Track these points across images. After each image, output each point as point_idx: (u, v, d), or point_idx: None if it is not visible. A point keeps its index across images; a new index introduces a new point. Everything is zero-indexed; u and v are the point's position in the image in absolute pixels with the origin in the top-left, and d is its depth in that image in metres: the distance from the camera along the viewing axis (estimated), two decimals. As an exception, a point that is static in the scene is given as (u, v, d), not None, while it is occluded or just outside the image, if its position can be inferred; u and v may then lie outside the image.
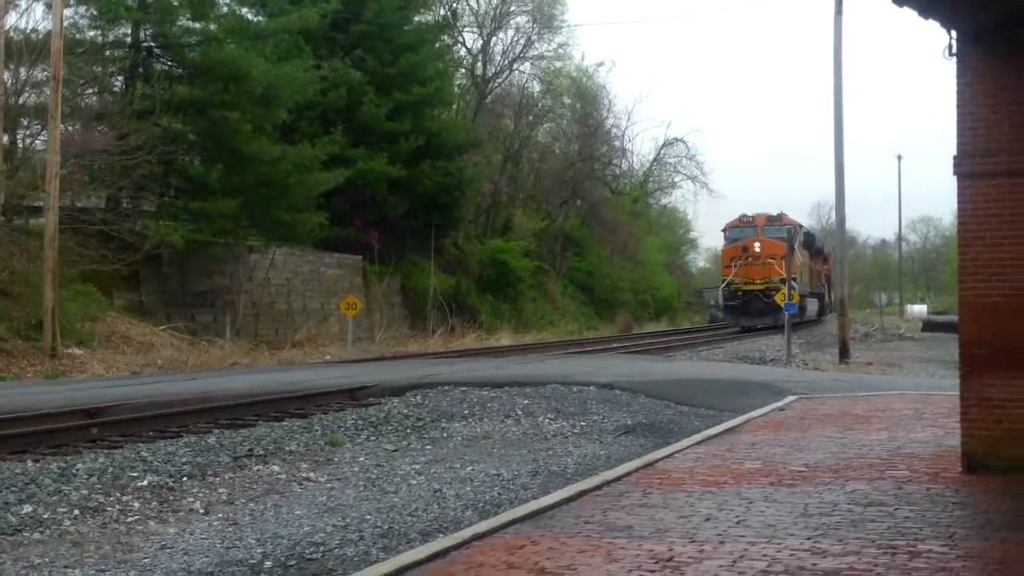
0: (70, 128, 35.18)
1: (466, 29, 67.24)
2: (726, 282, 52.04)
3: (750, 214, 54.95)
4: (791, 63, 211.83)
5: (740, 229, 53.97)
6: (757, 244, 50.35)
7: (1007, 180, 10.74)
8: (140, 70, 38.22)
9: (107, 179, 35.32)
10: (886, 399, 18.88)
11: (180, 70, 38.43)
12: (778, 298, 36.75)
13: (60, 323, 29.54)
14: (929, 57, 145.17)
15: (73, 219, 33.03)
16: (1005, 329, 10.68)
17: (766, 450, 12.78)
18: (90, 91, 38.53)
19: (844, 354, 34.48)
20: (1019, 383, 10.58)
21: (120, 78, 39.31)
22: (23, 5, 35.87)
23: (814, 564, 7.28)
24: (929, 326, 61.51)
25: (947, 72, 11.18)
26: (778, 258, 47.41)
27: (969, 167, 10.96)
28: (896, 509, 9.10)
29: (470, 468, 12.96)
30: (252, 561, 8.61)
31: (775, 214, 55.10)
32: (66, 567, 8.44)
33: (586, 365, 26.90)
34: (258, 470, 13.13)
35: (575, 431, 16.43)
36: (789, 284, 36.09)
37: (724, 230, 57.02)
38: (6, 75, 32.61)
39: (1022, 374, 10.53)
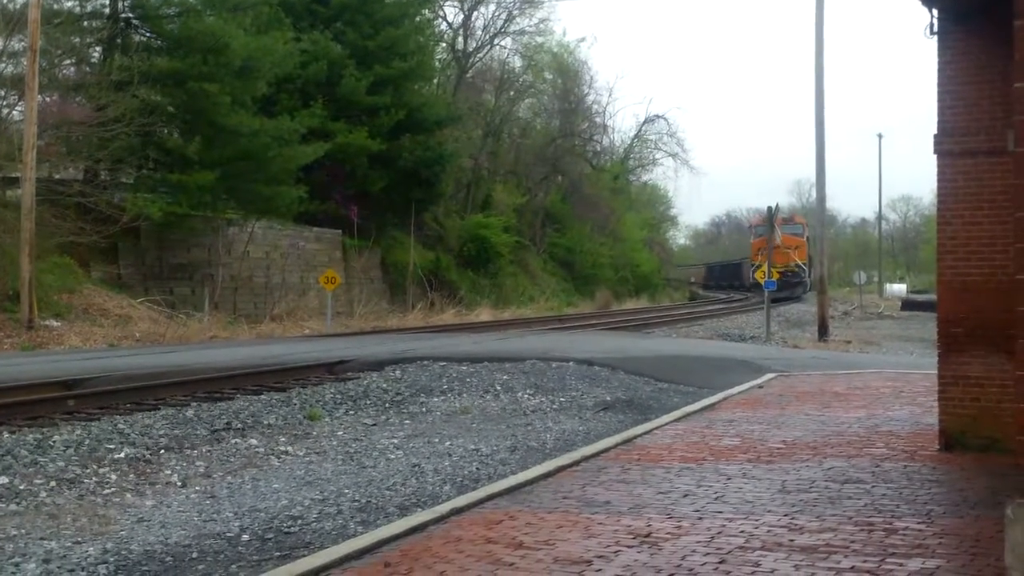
0: (47, 99, 34.88)
1: (447, 3, 66.93)
2: (756, 266, 62.61)
3: (779, 237, 65.65)
4: (773, 41, 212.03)
5: (764, 226, 65.48)
6: (777, 237, 58.28)
7: (986, 159, 10.77)
8: (118, 41, 37.89)
9: (85, 151, 35.07)
10: (864, 377, 18.96)
11: (159, 41, 38.10)
12: (757, 275, 40.44)
13: (37, 295, 29.39)
14: (911, 36, 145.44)
15: (50, 191, 32.80)
16: (983, 308, 10.72)
17: (745, 427, 12.82)
18: (68, 62, 38.18)
19: (823, 332, 34.62)
20: (996, 362, 10.63)
21: (98, 49, 38.97)
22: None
23: (791, 540, 7.30)
24: (908, 305, 61.89)
25: (929, 51, 11.20)
26: (793, 248, 64.51)
27: (949, 145, 10.98)
28: (873, 486, 9.14)
29: (449, 443, 12.96)
30: (229, 534, 8.59)
31: (788, 215, 70.36)
32: (42, 539, 8.40)
33: (565, 341, 26.93)
34: (236, 443, 13.10)
35: (554, 407, 16.45)
36: (769, 266, 36.24)
37: (751, 226, 74.55)
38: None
39: (999, 353, 10.56)
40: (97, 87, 34.50)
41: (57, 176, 35.67)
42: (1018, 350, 4.23)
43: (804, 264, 65.36)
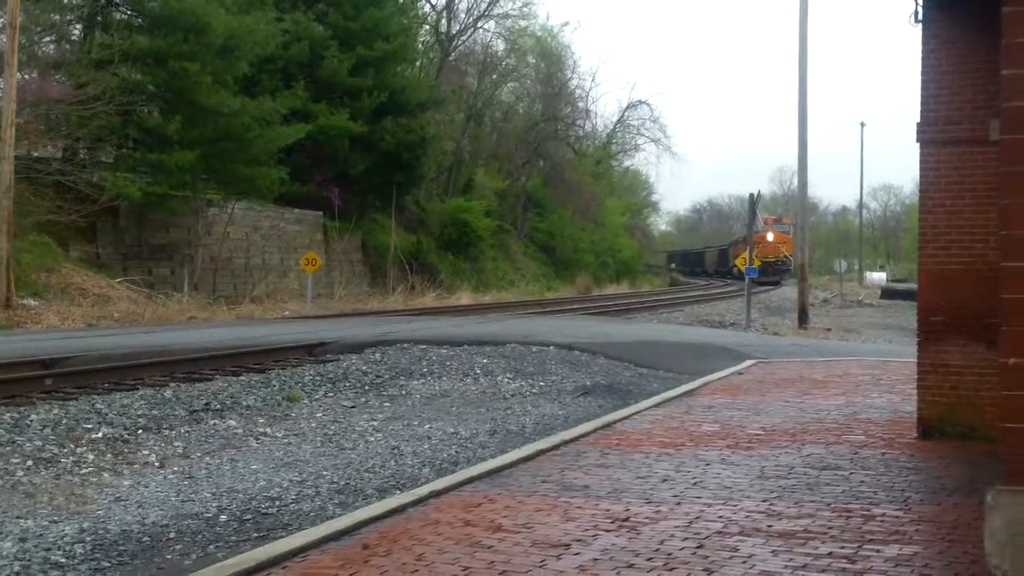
0: (27, 76, 34.63)
1: (431, -15, 66.67)
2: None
3: (762, 216, 77.83)
4: (757, 28, 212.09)
5: (760, 225, 76.90)
6: (770, 235, 79.38)
7: (968, 148, 10.78)
8: (99, 19, 37.67)
9: (64, 129, 34.87)
10: (844, 365, 19.02)
11: (140, 20, 37.88)
12: (738, 262, 40.87)
13: (15, 274, 29.24)
14: (895, 25, 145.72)
15: (29, 169, 32.61)
16: (963, 297, 10.75)
17: (724, 413, 12.83)
18: (48, 39, 37.95)
19: (803, 319, 34.70)
20: (975, 350, 10.67)
21: (78, 26, 38.73)
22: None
23: (769, 526, 7.31)
24: (888, 293, 62.16)
25: (913, 40, 11.20)
26: (782, 244, 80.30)
27: (931, 134, 10.99)
28: (851, 473, 9.16)
29: (428, 426, 12.94)
30: (207, 515, 8.56)
31: (777, 217, 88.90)
32: (18, 517, 8.36)
33: (546, 325, 26.92)
34: (214, 424, 13.06)
35: (534, 391, 16.44)
36: (750, 252, 36.30)
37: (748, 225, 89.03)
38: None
39: (979, 341, 10.61)
40: (77, 65, 34.31)
41: (36, 154, 35.47)
42: (1001, 338, 4.23)
43: (790, 255, 78.35)
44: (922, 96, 11.05)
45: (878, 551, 6.68)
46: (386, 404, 15.11)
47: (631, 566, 6.39)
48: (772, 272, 77.89)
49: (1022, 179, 4.19)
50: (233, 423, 13.14)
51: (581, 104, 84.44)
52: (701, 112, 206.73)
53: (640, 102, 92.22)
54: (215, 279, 40.03)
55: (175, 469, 10.42)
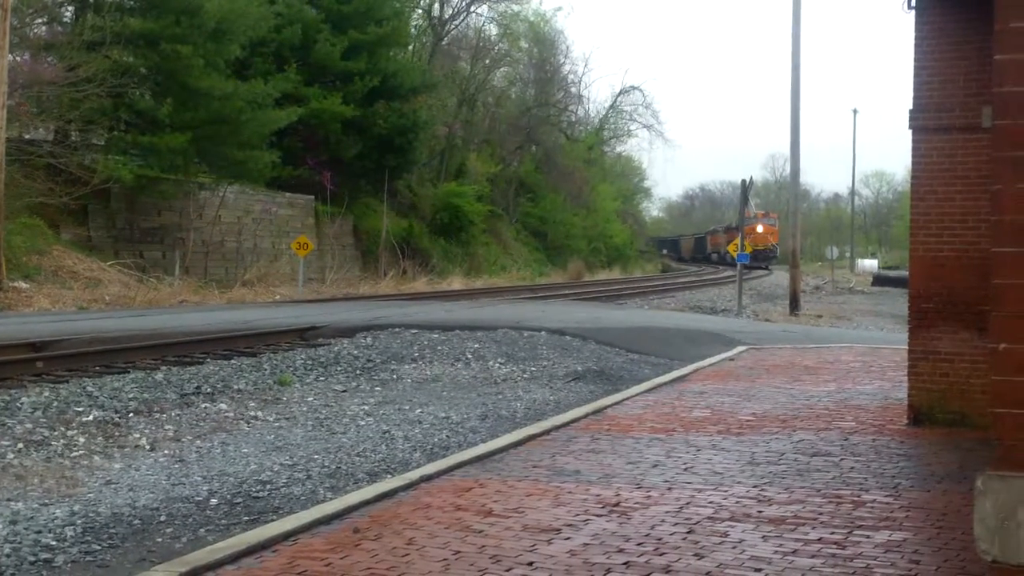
0: (18, 58, 34.48)
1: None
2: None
3: (753, 211, 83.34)
4: (750, 14, 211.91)
5: (750, 219, 79.59)
6: (760, 227, 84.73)
7: (961, 135, 10.79)
8: (91, 0, 37.46)
9: (55, 111, 34.71)
10: (835, 351, 19.05)
11: (132, 2, 37.63)
12: (730, 248, 41.48)
13: (6, 256, 29.12)
14: (889, 12, 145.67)
15: (20, 151, 32.47)
16: (954, 284, 10.77)
17: (715, 399, 12.85)
18: (39, 21, 37.73)
19: (794, 306, 34.70)
20: (967, 337, 10.69)
21: (70, 8, 38.52)
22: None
23: (760, 512, 7.33)
24: (879, 280, 62.24)
25: (907, 27, 11.20)
26: (769, 234, 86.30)
27: (924, 121, 10.99)
28: (842, 459, 9.18)
29: (419, 410, 12.95)
30: (198, 498, 8.56)
31: (766, 212, 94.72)
32: (9, 500, 8.35)
33: (537, 311, 26.93)
34: (205, 408, 13.05)
35: (525, 376, 16.46)
36: (742, 239, 36.31)
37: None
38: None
39: (970, 329, 10.63)
40: (69, 47, 34.11)
41: (27, 136, 35.33)
42: (992, 324, 4.24)
43: (776, 244, 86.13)
44: (915, 83, 11.06)
45: (868, 537, 6.70)
46: (377, 388, 15.11)
47: (621, 551, 6.40)
48: (761, 259, 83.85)
49: (1014, 164, 4.19)
50: (224, 407, 13.14)
51: (574, 89, 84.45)
52: (694, 98, 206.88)
53: (633, 88, 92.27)
54: (206, 263, 39.96)
55: (166, 452, 10.42)
